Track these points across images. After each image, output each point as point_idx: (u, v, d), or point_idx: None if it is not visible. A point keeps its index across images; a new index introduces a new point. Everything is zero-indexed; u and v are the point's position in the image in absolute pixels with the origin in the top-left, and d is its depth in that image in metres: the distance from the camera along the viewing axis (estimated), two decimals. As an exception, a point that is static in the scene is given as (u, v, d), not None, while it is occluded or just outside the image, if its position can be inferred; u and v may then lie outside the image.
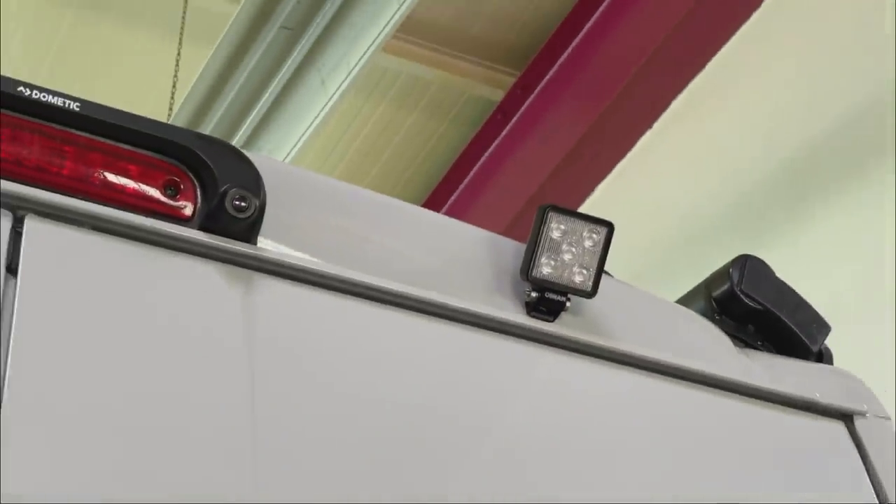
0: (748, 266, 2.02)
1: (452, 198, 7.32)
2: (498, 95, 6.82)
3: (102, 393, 1.43)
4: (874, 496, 1.83)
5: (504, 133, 6.67)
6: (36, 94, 1.56)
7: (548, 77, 6.43)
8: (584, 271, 1.79)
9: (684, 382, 1.87)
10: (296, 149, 6.76)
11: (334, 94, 5.58)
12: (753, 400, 1.92)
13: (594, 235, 1.81)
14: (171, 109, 6.67)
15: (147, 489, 1.36)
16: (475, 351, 1.78)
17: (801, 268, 4.37)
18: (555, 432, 1.74)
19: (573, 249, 1.80)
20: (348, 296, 1.67)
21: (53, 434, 1.34)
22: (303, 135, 6.28)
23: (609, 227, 1.79)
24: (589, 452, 1.76)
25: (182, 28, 6.36)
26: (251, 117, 6.25)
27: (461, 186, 7.31)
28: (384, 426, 1.64)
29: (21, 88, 1.56)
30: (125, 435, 1.40)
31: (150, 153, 1.62)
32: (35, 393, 1.36)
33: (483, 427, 1.74)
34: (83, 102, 1.58)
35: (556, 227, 1.80)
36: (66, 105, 1.56)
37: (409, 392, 1.69)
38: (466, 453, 1.71)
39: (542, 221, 1.79)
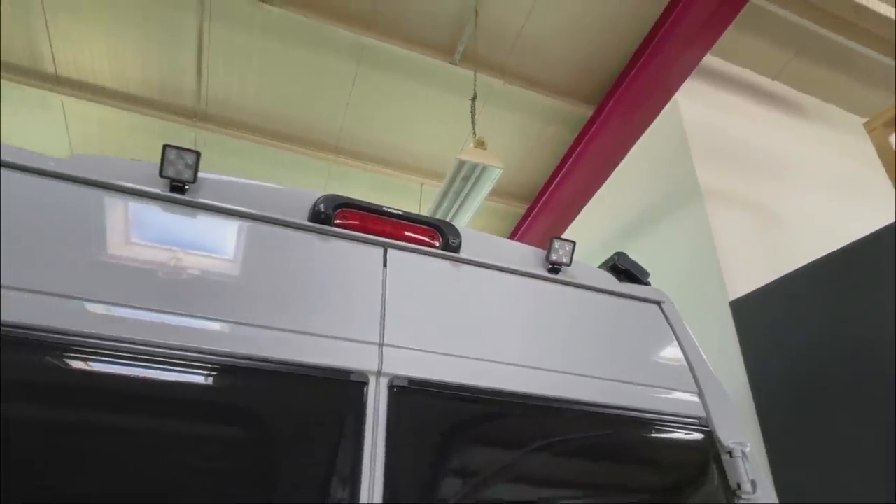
0: (620, 255, 2.07)
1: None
2: (521, 211, 6.45)
3: (421, 309, 1.54)
4: (673, 337, 1.89)
5: (525, 226, 6.36)
6: (388, 208, 1.69)
7: (536, 208, 6.16)
8: (566, 257, 1.89)
9: (597, 293, 1.91)
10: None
11: (468, 216, 4.82)
12: (623, 299, 1.94)
13: (568, 245, 1.90)
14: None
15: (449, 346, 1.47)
16: (534, 287, 1.81)
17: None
18: (537, 309, 1.75)
19: (562, 250, 1.90)
20: (484, 268, 1.77)
21: (406, 322, 1.48)
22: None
23: (573, 243, 1.90)
24: (540, 322, 1.71)
25: (420, 199, 6.11)
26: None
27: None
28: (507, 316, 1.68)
29: (384, 206, 1.70)
30: (441, 323, 1.52)
31: (424, 226, 1.74)
32: (400, 310, 1.49)
33: (512, 307, 1.71)
34: (403, 211, 1.72)
35: (557, 242, 1.90)
36: (398, 211, 1.71)
37: (505, 303, 1.72)
38: (512, 326, 1.65)
39: (551, 242, 1.90)
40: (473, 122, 4.59)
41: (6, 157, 1.31)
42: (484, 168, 4.33)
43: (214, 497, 1.06)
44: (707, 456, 1.63)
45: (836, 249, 3.04)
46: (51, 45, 4.52)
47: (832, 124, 5.44)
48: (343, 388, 1.28)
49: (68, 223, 1.27)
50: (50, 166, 1.35)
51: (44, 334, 1.09)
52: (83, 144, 5.26)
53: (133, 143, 5.28)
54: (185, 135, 5.23)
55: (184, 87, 4.94)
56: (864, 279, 2.79)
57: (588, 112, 5.37)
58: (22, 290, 1.13)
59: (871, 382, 2.62)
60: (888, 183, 4.74)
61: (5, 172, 1.29)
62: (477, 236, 1.88)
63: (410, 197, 6.19)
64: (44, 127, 5.08)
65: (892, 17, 3.06)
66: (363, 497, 1.17)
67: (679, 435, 1.64)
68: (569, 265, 1.92)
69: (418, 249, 1.71)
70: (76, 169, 1.37)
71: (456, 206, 4.87)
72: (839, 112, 5.54)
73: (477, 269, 1.77)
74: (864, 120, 5.13)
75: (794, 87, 5.47)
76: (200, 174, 1.55)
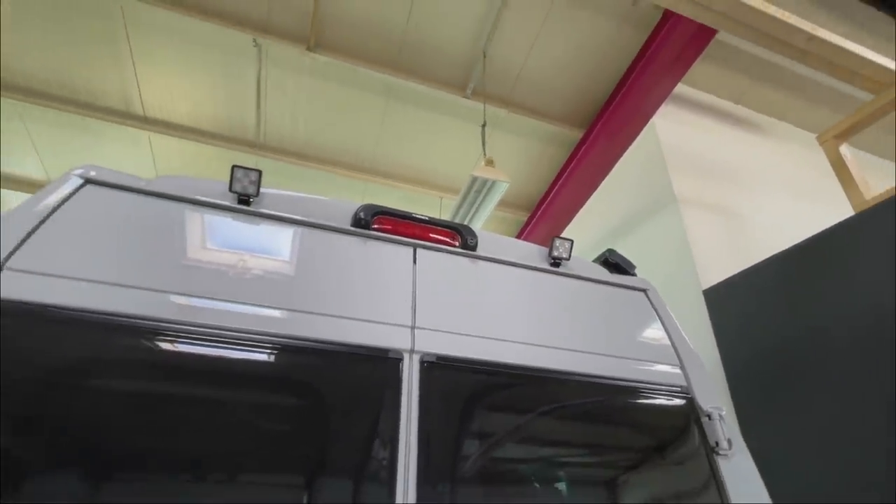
0: (610, 251, 1.99)
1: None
2: (524, 218, 6.31)
3: (445, 297, 1.49)
4: (657, 319, 1.80)
5: (527, 231, 6.13)
6: (417, 214, 1.65)
7: (537, 216, 5.99)
8: (566, 253, 1.80)
9: (592, 283, 1.83)
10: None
11: (480, 223, 4.70)
12: (614, 287, 1.86)
13: (567, 243, 1.81)
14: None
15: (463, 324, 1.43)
16: (539, 279, 1.74)
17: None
18: (541, 297, 1.69)
19: (562, 247, 1.81)
20: (496, 263, 1.71)
21: (433, 309, 1.44)
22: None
23: (572, 241, 1.80)
24: (544, 308, 1.65)
25: (440, 209, 5.97)
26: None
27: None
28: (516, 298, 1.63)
29: (413, 213, 1.64)
30: (456, 305, 1.49)
31: (446, 229, 1.67)
32: (428, 299, 1.44)
33: (521, 295, 1.64)
34: (428, 217, 1.64)
35: (558, 241, 1.81)
36: (424, 217, 1.66)
37: (521, 293, 1.65)
38: (522, 311, 1.59)
39: (553, 241, 1.81)
40: (484, 145, 4.58)
41: (106, 178, 1.35)
42: (493, 183, 4.28)
43: (282, 450, 1.08)
44: (689, 418, 1.60)
45: (792, 245, 2.97)
46: (139, 92, 4.67)
47: (786, 139, 5.34)
48: (382, 364, 1.28)
49: (155, 231, 1.30)
50: (141, 185, 1.38)
51: (138, 321, 1.11)
52: (166, 171, 5.38)
53: (206, 168, 5.37)
54: (248, 161, 5.30)
55: (246, 123, 5.04)
56: (817, 271, 2.76)
57: (579, 134, 5.30)
58: (117, 285, 1.15)
59: (825, 359, 2.58)
60: (837, 187, 4.63)
61: (105, 190, 1.32)
62: (490, 237, 1.84)
63: (431, 208, 6.14)
64: (134, 158, 5.24)
65: (841, 43, 2.95)
66: (401, 453, 1.18)
67: (665, 401, 1.61)
68: (568, 260, 1.86)
69: (442, 248, 1.68)
70: (161, 187, 1.40)
71: (470, 215, 4.82)
72: (791, 128, 5.51)
73: (491, 264, 1.74)
74: (813, 134, 5.36)
75: (752, 108, 5.39)
76: (262, 189, 1.55)
